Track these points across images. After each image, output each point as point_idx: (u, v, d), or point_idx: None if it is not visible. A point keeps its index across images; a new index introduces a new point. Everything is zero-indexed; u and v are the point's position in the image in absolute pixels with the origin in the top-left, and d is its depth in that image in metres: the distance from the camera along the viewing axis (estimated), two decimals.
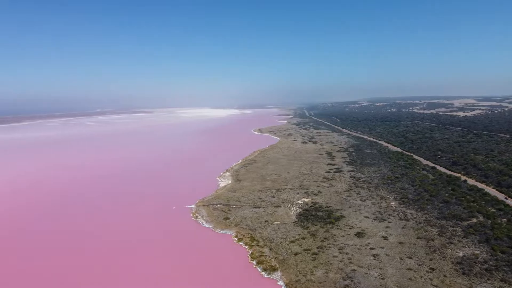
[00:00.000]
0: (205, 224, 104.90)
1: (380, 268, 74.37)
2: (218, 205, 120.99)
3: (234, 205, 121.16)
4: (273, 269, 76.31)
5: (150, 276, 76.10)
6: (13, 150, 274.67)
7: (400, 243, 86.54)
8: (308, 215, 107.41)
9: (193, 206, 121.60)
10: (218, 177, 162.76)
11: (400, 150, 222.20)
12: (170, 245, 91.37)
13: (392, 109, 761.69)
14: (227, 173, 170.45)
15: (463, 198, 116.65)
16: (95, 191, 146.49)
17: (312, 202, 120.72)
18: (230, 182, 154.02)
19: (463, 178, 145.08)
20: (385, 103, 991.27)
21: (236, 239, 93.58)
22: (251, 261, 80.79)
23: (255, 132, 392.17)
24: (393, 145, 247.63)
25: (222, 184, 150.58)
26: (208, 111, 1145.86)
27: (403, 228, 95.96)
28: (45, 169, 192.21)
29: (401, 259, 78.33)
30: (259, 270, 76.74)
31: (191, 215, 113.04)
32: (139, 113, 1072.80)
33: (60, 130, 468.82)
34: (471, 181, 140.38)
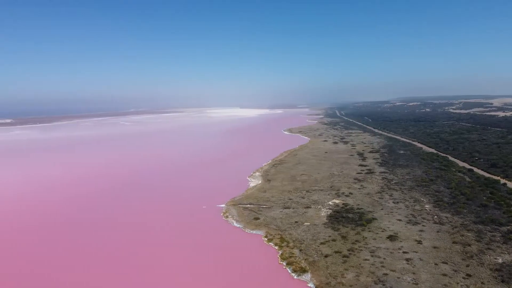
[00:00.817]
0: (235, 224, 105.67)
1: (413, 273, 72.51)
2: (248, 205, 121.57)
3: (264, 205, 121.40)
4: (303, 271, 75.91)
5: (179, 274, 77.42)
6: (46, 149, 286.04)
7: (434, 247, 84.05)
8: (338, 217, 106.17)
9: (223, 205, 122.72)
10: (248, 177, 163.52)
11: (435, 151, 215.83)
12: (200, 244, 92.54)
13: (427, 109, 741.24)
14: (257, 173, 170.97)
15: (503, 202, 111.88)
16: (124, 191, 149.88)
17: (343, 204, 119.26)
18: (260, 182, 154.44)
19: (503, 181, 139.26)
20: (419, 103, 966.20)
21: (266, 239, 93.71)
22: (281, 262, 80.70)
23: (285, 132, 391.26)
24: (427, 146, 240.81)
25: (252, 184, 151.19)
26: (238, 111, 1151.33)
27: (437, 232, 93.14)
28: (78, 167, 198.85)
29: (435, 264, 76.07)
30: (289, 271, 76.53)
31: (221, 214, 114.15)
32: (171, 113, 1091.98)
33: (94, 130, 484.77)
34: (511, 184, 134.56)
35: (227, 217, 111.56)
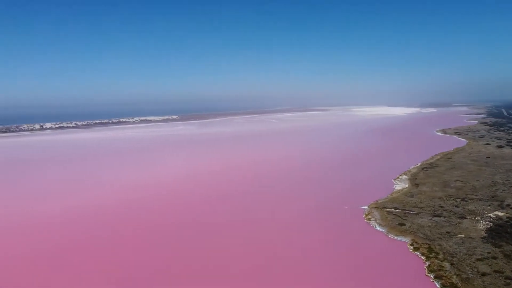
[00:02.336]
0: (378, 228, 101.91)
1: None
2: (393, 209, 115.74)
3: (410, 210, 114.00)
4: (455, 287, 69.04)
5: (316, 273, 78.45)
6: (202, 143, 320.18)
7: None
8: (501, 232, 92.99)
9: (365, 207, 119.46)
10: (394, 180, 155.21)
11: None
12: (340, 245, 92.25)
13: None
14: (404, 176, 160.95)
15: None
16: (269, 185, 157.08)
17: (508, 217, 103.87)
18: (406, 185, 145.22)
19: None
20: None
21: (411, 248, 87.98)
22: (428, 274, 74.86)
23: (438, 133, 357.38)
24: None
25: (397, 188, 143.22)
26: (386, 110, 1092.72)
27: None
28: (237, 158, 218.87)
29: None
30: (438, 286, 70.51)
31: (363, 216, 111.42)
32: (315, 111, 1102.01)
33: (246, 126, 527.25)
34: None
35: (369, 219, 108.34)
